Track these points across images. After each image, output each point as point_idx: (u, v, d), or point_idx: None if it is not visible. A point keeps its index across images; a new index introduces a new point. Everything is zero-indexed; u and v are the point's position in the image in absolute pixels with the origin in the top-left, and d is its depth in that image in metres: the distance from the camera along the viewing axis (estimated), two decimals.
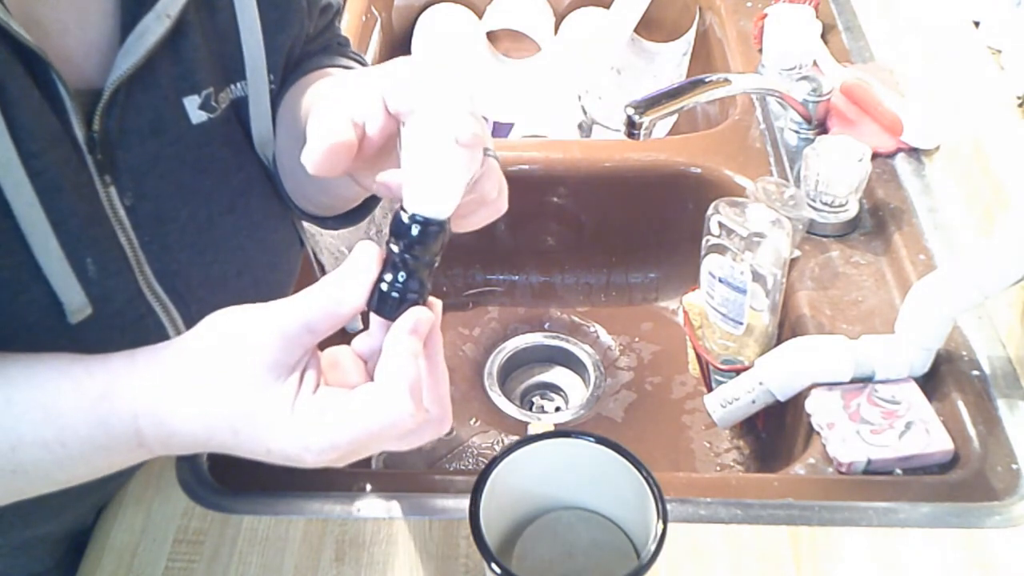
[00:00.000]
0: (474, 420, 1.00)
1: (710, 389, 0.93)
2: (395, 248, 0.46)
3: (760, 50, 1.11)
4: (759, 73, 1.10)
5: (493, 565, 0.52)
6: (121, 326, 0.57)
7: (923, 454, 0.70)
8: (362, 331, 0.49)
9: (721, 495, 0.69)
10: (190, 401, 0.46)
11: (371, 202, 0.69)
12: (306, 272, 0.78)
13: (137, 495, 0.70)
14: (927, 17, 1.00)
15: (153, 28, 0.53)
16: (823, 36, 1.14)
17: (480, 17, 1.47)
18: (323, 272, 0.80)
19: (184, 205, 0.59)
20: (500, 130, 1.40)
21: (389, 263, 0.46)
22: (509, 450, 0.58)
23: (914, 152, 0.97)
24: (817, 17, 1.12)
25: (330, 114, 0.48)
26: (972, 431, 0.72)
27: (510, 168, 1.03)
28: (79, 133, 0.52)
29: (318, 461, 0.45)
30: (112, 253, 0.55)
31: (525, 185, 1.06)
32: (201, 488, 0.71)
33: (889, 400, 0.73)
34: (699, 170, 1.03)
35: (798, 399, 0.77)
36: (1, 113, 0.47)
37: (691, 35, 1.38)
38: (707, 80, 0.89)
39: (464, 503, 0.55)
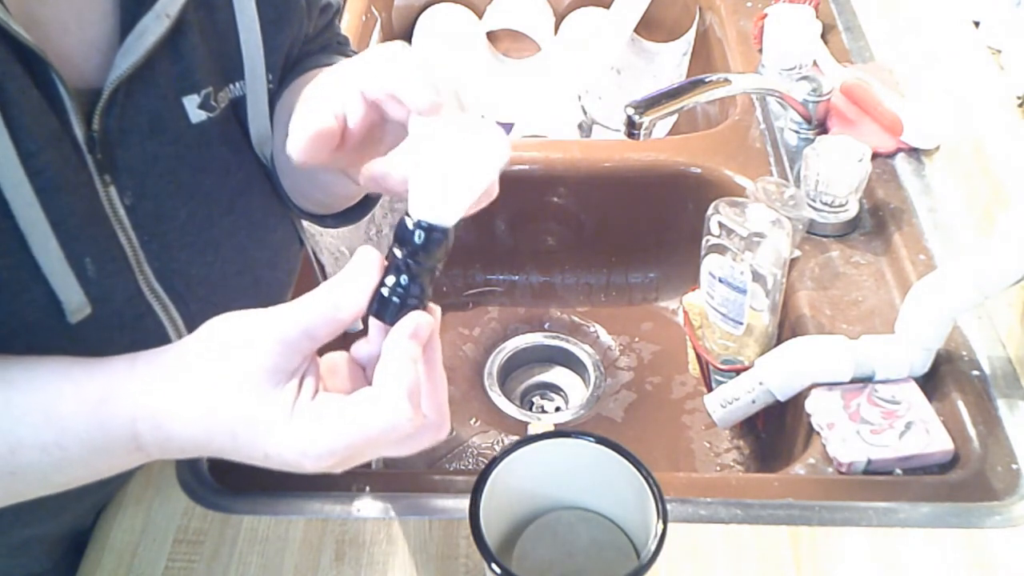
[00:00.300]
0: (474, 420, 1.00)
1: (710, 389, 0.93)
2: (398, 253, 0.46)
3: (760, 50, 1.11)
4: (759, 73, 1.10)
5: (493, 565, 0.52)
6: (120, 325, 0.57)
7: (923, 454, 0.70)
8: (362, 331, 0.49)
9: (721, 495, 0.69)
10: (189, 406, 0.46)
11: (369, 201, 0.69)
12: (306, 271, 0.78)
13: (137, 495, 0.70)
14: (927, 17, 1.00)
15: (152, 28, 0.53)
16: (823, 36, 1.14)
17: (480, 17, 1.47)
18: (323, 271, 0.80)
19: (184, 204, 0.59)
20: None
21: (391, 268, 0.46)
22: (509, 450, 0.58)
23: (914, 152, 0.97)
24: (817, 17, 1.12)
25: (311, 106, 0.49)
26: (972, 431, 0.72)
27: (510, 168, 1.03)
28: (79, 132, 0.52)
29: (317, 467, 0.45)
30: (111, 253, 0.55)
31: (525, 185, 1.06)
32: (201, 488, 0.71)
33: (889, 400, 0.73)
34: (699, 170, 1.03)
35: (798, 399, 0.77)
36: (0, 113, 0.47)
37: (691, 35, 1.38)
38: (707, 80, 0.89)
39: (464, 503, 0.55)
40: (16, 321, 0.51)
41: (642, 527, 0.57)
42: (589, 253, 1.12)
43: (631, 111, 0.85)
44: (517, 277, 1.14)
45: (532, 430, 0.99)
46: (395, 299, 0.46)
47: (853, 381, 0.75)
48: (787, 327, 0.87)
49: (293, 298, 0.46)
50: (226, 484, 0.71)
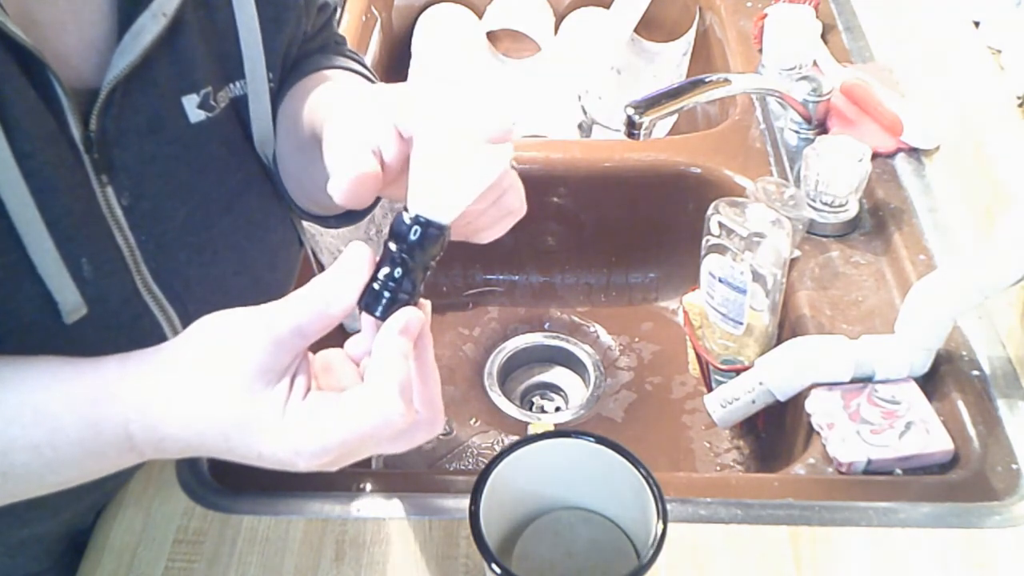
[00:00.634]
0: (474, 420, 1.00)
1: (710, 389, 0.93)
2: (393, 247, 0.46)
3: (760, 50, 1.11)
4: (759, 73, 1.10)
5: (493, 565, 0.52)
6: (117, 326, 0.57)
7: (923, 454, 0.70)
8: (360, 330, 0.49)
9: (721, 495, 0.69)
10: (180, 406, 0.46)
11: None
12: (306, 271, 0.78)
13: (137, 495, 0.70)
14: (927, 17, 1.00)
15: (149, 27, 0.53)
16: (823, 36, 1.14)
17: (480, 17, 1.47)
18: (322, 270, 0.80)
19: (182, 204, 0.59)
20: None
21: (385, 262, 0.46)
22: (509, 450, 0.58)
23: (914, 152, 0.97)
24: (817, 17, 1.12)
25: (349, 144, 0.48)
26: (972, 431, 0.72)
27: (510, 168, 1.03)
28: (76, 132, 0.52)
29: (310, 465, 0.45)
30: (108, 253, 0.55)
31: (525, 185, 1.05)
32: (201, 488, 0.71)
33: (889, 400, 0.73)
34: (699, 170, 1.03)
35: (798, 399, 0.77)
36: None
37: (691, 35, 1.38)
38: (707, 80, 0.89)
39: (464, 503, 0.55)
40: (12, 321, 0.51)
41: (642, 527, 0.57)
42: (589, 253, 1.12)
43: (631, 111, 0.85)
44: (517, 277, 1.14)
45: (532, 430, 0.99)
46: (386, 294, 0.46)
47: (853, 381, 0.75)
48: (787, 327, 0.87)
49: None
50: (226, 484, 0.71)
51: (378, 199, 0.70)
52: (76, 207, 0.53)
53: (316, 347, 0.47)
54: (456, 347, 1.08)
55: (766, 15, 1.10)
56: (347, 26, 1.23)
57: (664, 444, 0.97)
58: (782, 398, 0.77)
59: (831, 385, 0.75)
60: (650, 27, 1.42)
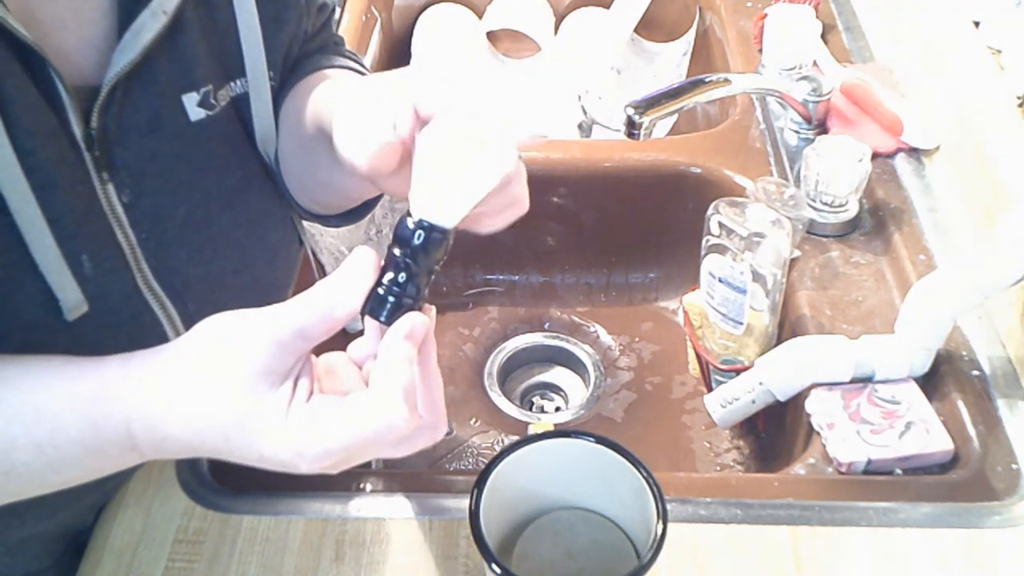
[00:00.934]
0: (474, 420, 1.00)
1: (710, 389, 0.93)
2: (397, 252, 0.46)
3: (760, 50, 1.11)
4: (759, 73, 1.10)
5: (493, 565, 0.52)
6: (118, 323, 0.57)
7: (923, 454, 0.70)
8: (362, 331, 0.49)
9: (721, 495, 0.69)
10: (182, 407, 0.46)
11: (372, 200, 0.69)
12: (305, 270, 0.78)
13: (137, 495, 0.70)
14: (927, 17, 1.00)
15: (149, 25, 0.53)
16: (823, 36, 1.14)
17: (480, 17, 1.47)
18: (322, 271, 0.80)
19: (182, 202, 0.59)
20: None
21: (389, 266, 0.46)
22: (509, 450, 0.58)
23: (914, 152, 0.97)
24: (817, 17, 1.12)
25: (368, 114, 0.48)
26: (972, 431, 0.72)
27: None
28: (77, 130, 0.52)
29: (312, 468, 0.45)
30: (109, 250, 0.55)
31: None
32: (201, 488, 0.71)
33: (889, 400, 0.73)
34: (699, 170, 1.03)
35: (798, 399, 0.77)
36: None
37: (691, 35, 1.38)
38: (707, 80, 0.89)
39: (464, 503, 0.55)
40: (13, 319, 0.51)
41: (642, 527, 0.57)
42: (589, 253, 1.12)
43: (631, 111, 0.85)
44: (517, 277, 1.14)
45: (532, 430, 0.99)
46: (391, 298, 0.46)
47: (853, 381, 0.75)
48: (787, 327, 0.87)
49: (292, 297, 0.46)
50: (226, 484, 0.71)
51: (379, 198, 0.70)
52: (77, 204, 0.53)
53: (319, 350, 0.47)
54: (456, 347, 1.08)
55: (766, 15, 1.10)
56: (347, 26, 1.23)
57: (664, 444, 0.97)
58: (782, 398, 0.77)
59: (831, 385, 0.75)
60: (650, 27, 1.42)
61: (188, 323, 0.49)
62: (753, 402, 0.79)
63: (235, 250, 0.63)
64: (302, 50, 0.67)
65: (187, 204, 0.59)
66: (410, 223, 0.45)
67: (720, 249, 0.82)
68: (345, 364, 0.48)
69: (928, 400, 0.73)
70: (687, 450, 0.97)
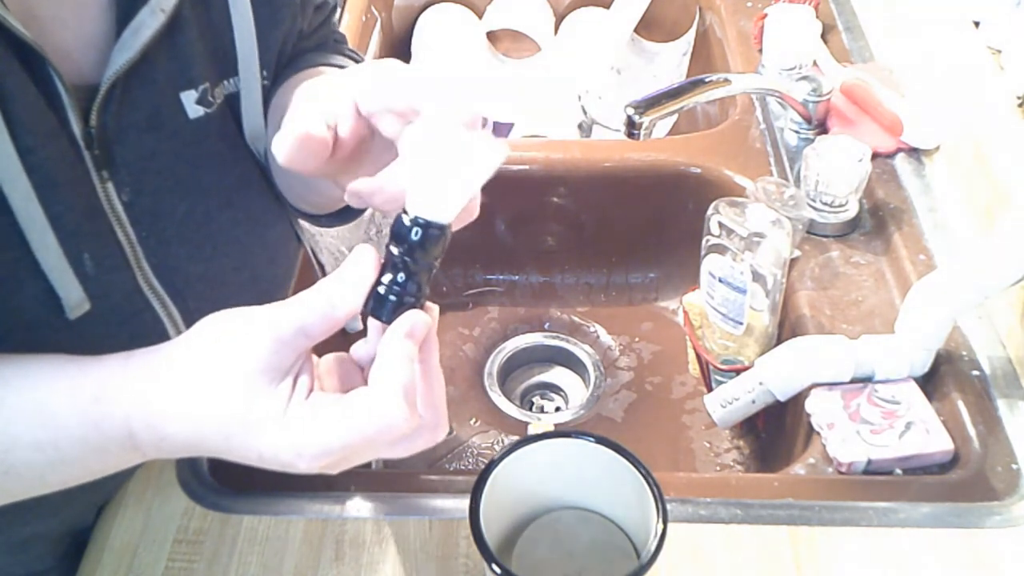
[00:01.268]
0: (474, 420, 1.00)
1: (710, 389, 0.93)
2: (395, 251, 0.46)
3: (760, 50, 1.11)
4: (759, 73, 1.10)
5: (493, 565, 0.52)
6: (119, 321, 0.57)
7: (923, 454, 0.70)
8: (363, 331, 0.48)
9: (721, 495, 0.69)
10: (181, 404, 0.46)
11: None
12: (306, 269, 0.78)
13: (137, 495, 0.70)
14: (927, 17, 1.00)
15: (148, 22, 0.53)
16: (823, 36, 1.14)
17: (480, 17, 1.47)
18: (322, 271, 0.80)
19: (181, 200, 0.59)
20: (500, 130, 1.40)
21: (388, 265, 0.46)
22: (509, 450, 0.58)
23: (914, 152, 0.97)
24: (817, 17, 1.12)
25: (303, 110, 0.49)
26: (972, 431, 0.72)
27: (510, 168, 1.03)
28: (76, 128, 0.52)
29: (311, 467, 0.45)
30: (109, 248, 0.55)
31: (525, 185, 1.06)
32: (201, 488, 0.71)
33: (889, 400, 0.73)
34: (699, 170, 1.03)
35: (798, 399, 0.77)
36: None
37: (691, 35, 1.38)
38: (707, 80, 0.89)
39: (464, 503, 0.55)
40: (15, 317, 0.51)
41: (642, 527, 0.57)
42: (589, 253, 1.12)
43: (631, 111, 0.85)
44: (517, 277, 1.14)
45: (532, 430, 0.99)
46: (392, 297, 0.45)
47: (853, 381, 0.75)
48: (787, 327, 0.87)
49: (291, 295, 0.46)
50: (226, 484, 0.71)
51: None
52: (77, 203, 0.53)
53: (321, 351, 0.47)
54: (456, 347, 1.08)
55: (766, 15, 1.10)
56: (347, 26, 1.23)
57: (664, 444, 0.97)
58: (782, 398, 0.77)
59: (831, 385, 0.75)
60: (650, 27, 1.42)
61: (189, 321, 0.49)
62: (753, 402, 0.79)
63: (235, 247, 0.63)
64: (296, 48, 0.67)
65: (186, 202, 0.59)
66: (406, 220, 0.45)
67: (720, 249, 0.82)
68: (347, 365, 0.48)
69: (928, 400, 0.73)
70: (687, 450, 0.97)
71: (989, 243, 0.70)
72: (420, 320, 0.45)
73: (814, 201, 0.90)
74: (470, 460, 0.97)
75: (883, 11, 1.13)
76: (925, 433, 0.71)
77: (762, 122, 1.06)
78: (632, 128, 0.86)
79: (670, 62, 1.42)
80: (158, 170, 0.57)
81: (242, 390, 0.44)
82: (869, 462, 0.70)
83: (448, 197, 0.46)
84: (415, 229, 0.45)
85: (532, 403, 1.05)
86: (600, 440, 0.58)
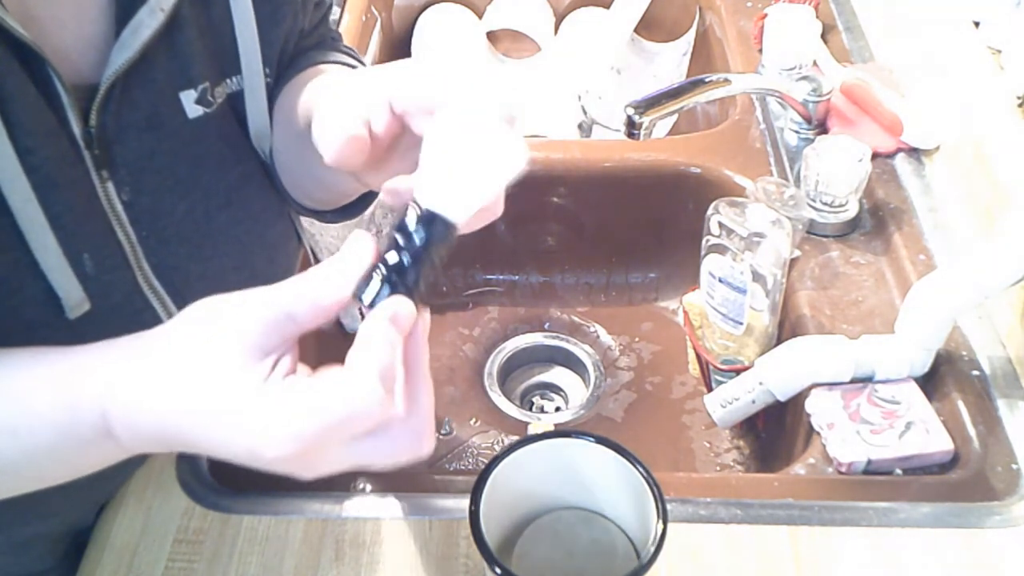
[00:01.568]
0: (474, 420, 1.00)
1: (710, 389, 0.93)
2: (399, 239, 0.43)
3: (760, 50, 1.11)
4: (759, 73, 1.10)
5: (493, 565, 0.52)
6: (119, 321, 0.56)
7: (923, 454, 0.70)
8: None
9: (721, 495, 0.69)
10: (157, 380, 0.44)
11: (368, 196, 0.69)
12: (305, 268, 0.77)
13: (137, 495, 0.70)
14: (927, 17, 1.00)
15: (147, 22, 0.53)
16: (823, 36, 1.14)
17: (480, 17, 1.47)
18: None
19: (181, 200, 0.59)
20: None
21: (387, 253, 0.44)
22: (509, 450, 0.58)
23: (914, 152, 0.97)
24: (817, 17, 1.12)
25: (342, 108, 0.48)
26: (972, 431, 0.72)
27: None
28: (76, 128, 0.52)
29: (278, 454, 0.42)
30: (109, 248, 0.55)
31: (525, 185, 1.05)
32: (201, 488, 0.71)
33: (889, 400, 0.73)
34: (699, 170, 1.03)
35: (798, 399, 0.77)
36: None
37: (691, 35, 1.38)
38: (707, 80, 0.89)
39: (464, 503, 0.55)
40: (15, 318, 0.51)
41: (642, 527, 0.57)
42: (589, 253, 1.12)
43: (631, 111, 0.85)
44: (517, 277, 1.14)
45: (532, 430, 0.99)
46: (380, 283, 0.43)
47: (853, 381, 0.75)
48: (787, 327, 0.87)
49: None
50: (226, 484, 0.71)
51: (376, 194, 0.70)
52: (77, 203, 0.53)
53: (321, 351, 0.47)
54: (456, 347, 1.08)
55: (766, 15, 1.10)
56: (347, 26, 1.23)
57: (664, 444, 0.97)
58: (782, 398, 0.77)
59: (831, 385, 0.75)
60: (650, 27, 1.42)
61: None
62: (753, 402, 0.79)
63: (234, 247, 0.63)
64: (298, 46, 0.67)
65: (186, 201, 0.59)
66: (416, 211, 0.43)
67: (720, 249, 0.82)
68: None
69: (928, 400, 0.73)
70: (687, 450, 0.97)
71: (989, 243, 0.70)
72: (405, 307, 0.43)
73: (814, 201, 0.90)
74: (470, 460, 0.97)
75: (883, 11, 1.13)
76: (925, 433, 0.71)
77: (762, 122, 1.06)
78: (632, 128, 0.86)
79: (670, 62, 1.42)
80: (158, 170, 0.57)
81: (223, 365, 0.43)
82: (869, 462, 0.70)
83: (461, 195, 0.44)
84: (424, 221, 0.43)
85: (532, 403, 1.05)
86: (600, 440, 0.58)
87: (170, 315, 0.60)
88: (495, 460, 0.57)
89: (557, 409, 1.04)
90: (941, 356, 0.76)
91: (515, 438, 0.97)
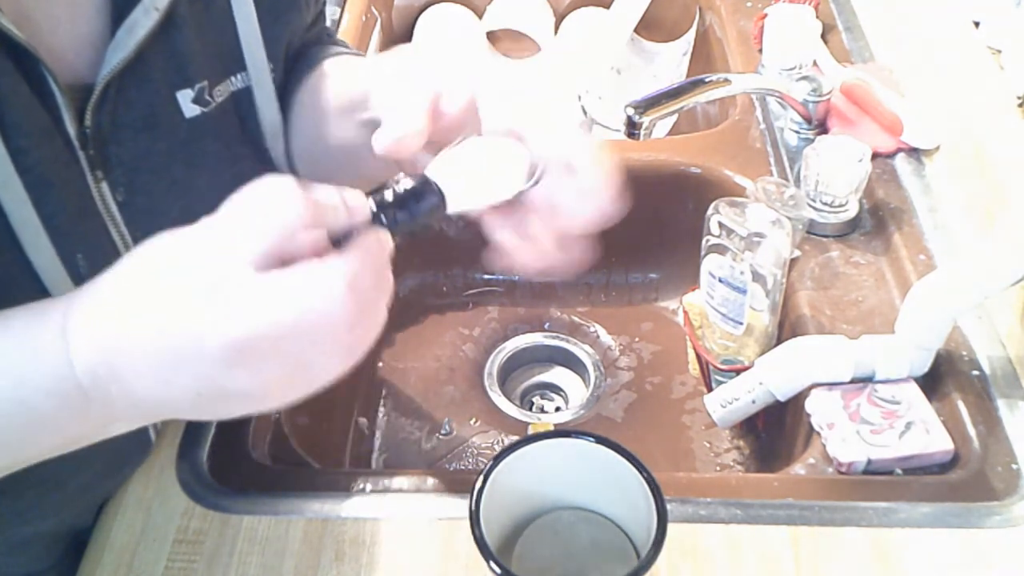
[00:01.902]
0: (474, 420, 1.00)
1: (710, 389, 0.93)
2: (397, 191, 0.47)
3: (760, 50, 1.11)
4: (759, 73, 1.10)
5: (493, 565, 0.52)
6: None
7: (923, 454, 0.70)
8: None
9: (721, 495, 0.69)
10: (118, 281, 0.43)
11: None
12: None
13: (137, 495, 0.70)
14: (927, 17, 1.00)
15: (142, 21, 0.53)
16: (823, 36, 1.14)
17: (480, 17, 1.47)
18: None
19: (177, 200, 0.59)
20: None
21: (384, 191, 0.47)
22: (509, 450, 0.58)
23: (914, 152, 0.97)
24: (817, 17, 1.12)
25: (407, 101, 0.51)
26: (972, 431, 0.72)
27: None
28: (71, 129, 0.52)
29: (228, 338, 0.39)
30: (104, 249, 0.55)
31: None
32: (201, 488, 0.71)
33: (889, 400, 0.73)
34: (699, 170, 1.03)
35: (798, 399, 0.77)
36: None
37: (691, 35, 1.38)
38: (707, 80, 0.89)
39: (464, 503, 0.55)
40: None
41: (642, 527, 0.57)
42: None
43: (631, 111, 0.85)
44: (517, 277, 1.14)
45: (532, 430, 0.99)
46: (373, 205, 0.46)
47: (853, 381, 0.75)
48: (787, 327, 0.87)
49: None
50: (226, 484, 0.71)
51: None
52: (71, 203, 0.53)
53: None
54: (456, 347, 1.08)
55: (766, 15, 1.10)
56: (347, 26, 1.23)
57: (664, 444, 0.97)
58: (782, 398, 0.77)
59: (831, 385, 0.75)
60: (650, 27, 1.42)
61: None
62: (753, 402, 0.79)
63: None
64: (304, 39, 0.67)
65: (182, 202, 0.59)
66: (423, 181, 0.48)
67: (720, 249, 0.82)
68: None
69: (928, 400, 0.73)
70: (687, 450, 0.97)
71: (989, 243, 0.70)
72: (385, 236, 0.45)
73: (814, 201, 0.90)
74: (470, 460, 0.97)
75: (883, 11, 1.13)
76: (925, 433, 0.71)
77: (762, 122, 1.06)
78: (632, 128, 0.86)
79: (670, 62, 1.42)
80: (153, 170, 0.57)
81: (195, 259, 0.42)
82: (869, 462, 0.70)
83: (467, 195, 0.49)
84: (430, 187, 0.47)
85: (532, 403, 1.05)
86: (600, 440, 0.58)
87: None
88: (495, 460, 0.57)
89: (557, 409, 1.04)
90: (941, 356, 0.76)
91: (515, 438, 0.97)
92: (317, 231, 0.43)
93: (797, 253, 0.89)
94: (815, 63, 1.08)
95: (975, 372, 0.76)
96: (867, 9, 1.17)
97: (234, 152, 0.62)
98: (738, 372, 0.82)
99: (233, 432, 0.75)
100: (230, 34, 0.59)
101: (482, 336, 1.09)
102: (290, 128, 0.65)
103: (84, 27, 0.54)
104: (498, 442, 0.98)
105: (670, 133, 1.33)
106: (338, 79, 0.63)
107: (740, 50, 1.16)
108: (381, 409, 1.01)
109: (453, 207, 0.48)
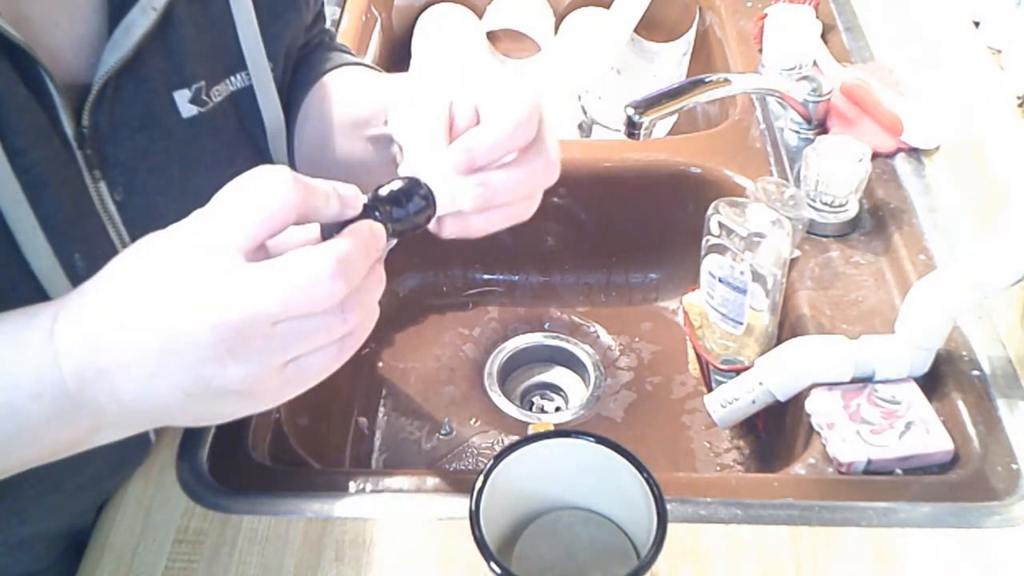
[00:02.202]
0: (474, 420, 1.00)
1: (710, 389, 0.93)
2: (382, 192, 0.47)
3: (760, 50, 1.11)
4: (759, 73, 1.10)
5: (493, 565, 0.52)
6: None
7: (923, 454, 0.70)
8: None
9: (721, 495, 0.69)
10: (105, 280, 0.43)
11: None
12: None
13: (137, 495, 0.70)
14: (927, 17, 1.00)
15: (139, 21, 0.53)
16: (823, 36, 1.14)
17: (480, 17, 1.47)
18: None
19: (174, 199, 0.59)
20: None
21: (379, 189, 0.48)
22: (509, 450, 0.58)
23: (914, 152, 0.97)
24: (817, 17, 1.12)
25: (426, 113, 0.52)
26: (972, 431, 0.72)
27: None
28: (68, 129, 0.52)
29: (212, 320, 0.39)
30: (101, 249, 0.55)
31: None
32: (201, 488, 0.71)
33: (889, 400, 0.73)
34: (699, 170, 1.03)
35: (798, 399, 0.77)
36: None
37: (691, 35, 1.38)
38: (707, 80, 0.89)
39: (464, 503, 0.55)
40: None
41: (642, 527, 0.57)
42: (589, 253, 1.12)
43: (631, 111, 0.85)
44: (517, 277, 1.14)
45: (532, 430, 0.99)
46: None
47: (853, 381, 0.75)
48: (787, 327, 0.87)
49: None
50: (226, 484, 0.71)
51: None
52: (69, 203, 0.53)
53: None
54: (456, 347, 1.08)
55: (766, 15, 1.10)
56: (347, 26, 1.23)
57: (664, 444, 0.97)
58: (782, 398, 0.77)
59: (831, 385, 0.75)
60: (650, 27, 1.42)
61: None
62: (753, 402, 0.79)
63: None
64: (306, 39, 0.67)
65: (179, 201, 0.59)
66: (421, 184, 0.49)
67: (720, 249, 0.82)
68: None
69: (928, 400, 0.73)
70: (687, 450, 0.97)
71: (989, 243, 0.70)
72: (378, 228, 0.44)
73: (814, 201, 0.90)
74: (470, 460, 0.97)
75: (883, 11, 1.13)
76: (925, 433, 0.71)
77: (762, 122, 1.06)
78: (632, 128, 0.86)
79: (670, 62, 1.42)
80: (150, 169, 0.57)
81: (187, 254, 0.42)
82: (869, 462, 0.70)
83: (454, 193, 0.52)
84: (414, 187, 0.49)
85: (532, 403, 1.05)
86: (600, 440, 0.58)
87: None
88: (495, 460, 0.57)
89: (557, 409, 1.04)
90: (941, 356, 0.76)
91: (515, 438, 0.97)
92: (309, 225, 0.43)
93: (797, 253, 0.89)
94: (815, 63, 1.08)
95: (975, 372, 0.76)
96: (867, 9, 1.17)
97: (232, 152, 0.62)
98: (738, 372, 0.82)
99: (233, 432, 0.75)
100: (229, 34, 0.59)
101: (482, 336, 1.09)
102: (295, 134, 0.65)
103: (81, 27, 0.54)
104: (498, 442, 0.98)
105: (670, 133, 1.33)
106: (346, 92, 0.63)
107: (740, 50, 1.16)
108: (381, 409, 1.01)
109: (439, 211, 0.50)
